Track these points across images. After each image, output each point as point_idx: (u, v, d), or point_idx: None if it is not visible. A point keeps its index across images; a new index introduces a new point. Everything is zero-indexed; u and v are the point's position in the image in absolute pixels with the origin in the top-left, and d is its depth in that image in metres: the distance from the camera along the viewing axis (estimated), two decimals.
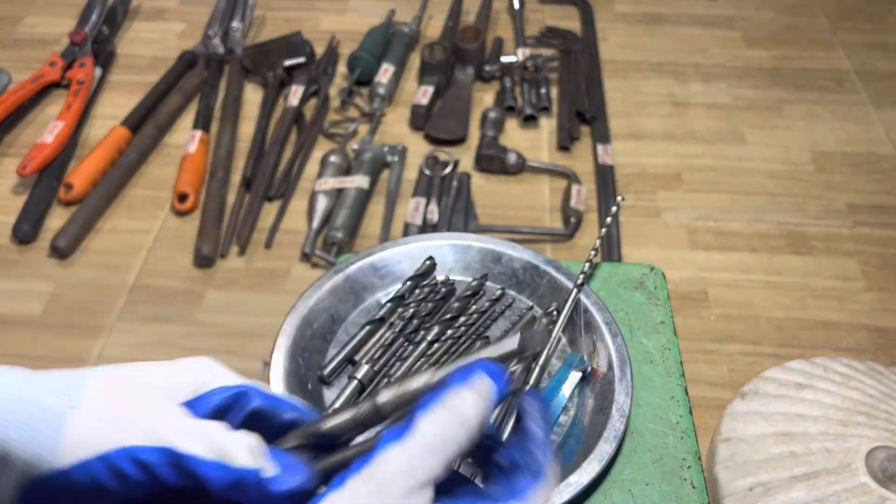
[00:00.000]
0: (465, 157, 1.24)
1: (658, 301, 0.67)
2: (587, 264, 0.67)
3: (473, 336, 0.64)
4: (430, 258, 0.68)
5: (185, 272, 1.08)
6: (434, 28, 1.54)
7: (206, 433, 0.29)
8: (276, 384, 0.57)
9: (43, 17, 1.58)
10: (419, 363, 0.62)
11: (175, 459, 0.28)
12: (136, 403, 0.29)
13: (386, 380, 0.61)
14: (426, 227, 1.12)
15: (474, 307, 0.66)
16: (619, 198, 0.72)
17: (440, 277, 0.68)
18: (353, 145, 1.25)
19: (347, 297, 0.66)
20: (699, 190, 1.20)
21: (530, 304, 0.68)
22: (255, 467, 0.28)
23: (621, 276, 0.69)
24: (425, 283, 0.67)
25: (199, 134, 1.25)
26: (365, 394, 0.59)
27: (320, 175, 1.18)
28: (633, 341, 0.63)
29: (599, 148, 1.25)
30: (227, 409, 0.32)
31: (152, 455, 0.28)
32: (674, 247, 1.11)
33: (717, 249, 1.10)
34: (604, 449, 0.52)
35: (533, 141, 1.29)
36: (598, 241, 0.67)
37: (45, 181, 1.18)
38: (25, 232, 1.12)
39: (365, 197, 1.15)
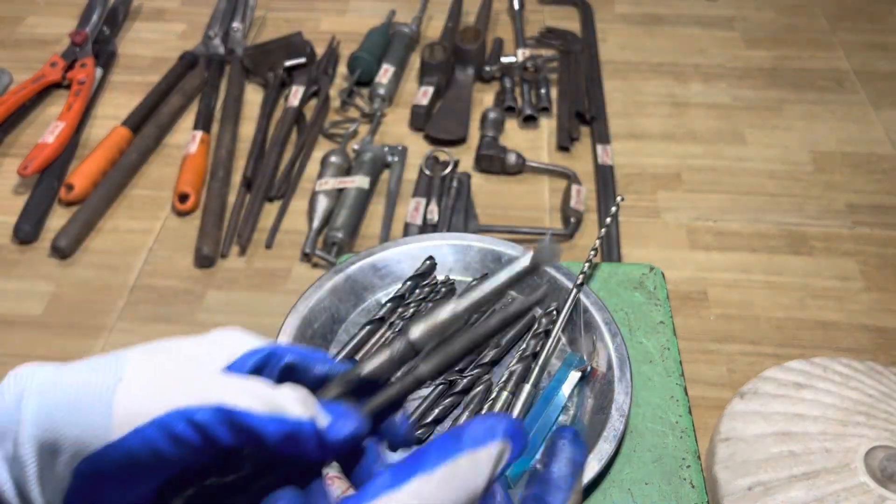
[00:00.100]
0: (465, 157, 1.24)
1: (658, 301, 0.67)
2: (587, 264, 0.67)
3: None
4: (431, 258, 0.68)
5: (186, 272, 1.08)
6: (434, 29, 1.54)
7: (256, 389, 0.28)
8: None
9: (44, 17, 1.59)
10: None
11: (229, 416, 0.27)
12: (181, 371, 0.29)
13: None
14: (426, 228, 1.12)
15: None
16: (618, 198, 0.72)
17: (440, 277, 0.68)
18: (354, 146, 1.25)
19: (348, 297, 0.67)
20: (699, 190, 1.20)
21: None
22: (311, 417, 0.28)
23: (621, 276, 0.69)
24: (425, 282, 0.67)
25: (199, 134, 1.25)
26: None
27: (321, 175, 1.18)
28: (633, 341, 0.63)
29: (599, 148, 1.25)
30: (261, 368, 0.32)
31: (207, 414, 0.27)
32: (673, 247, 1.11)
33: (717, 249, 1.11)
34: (603, 448, 0.53)
35: (533, 141, 1.30)
36: (597, 242, 0.68)
37: (46, 181, 1.19)
38: (26, 232, 1.12)
39: (365, 197, 1.15)
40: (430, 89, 1.32)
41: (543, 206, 1.18)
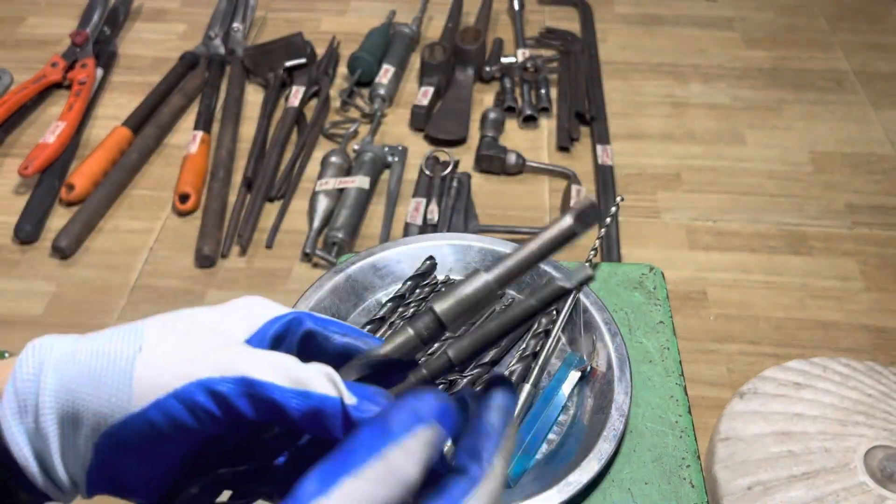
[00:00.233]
0: (465, 157, 1.25)
1: (657, 301, 0.67)
2: (587, 264, 0.67)
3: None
4: (431, 258, 0.68)
5: (187, 272, 1.08)
6: (434, 29, 1.54)
7: (281, 363, 0.27)
8: None
9: (45, 17, 1.59)
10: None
11: (251, 388, 0.26)
12: (202, 341, 0.28)
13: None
14: (426, 228, 1.12)
15: None
16: (618, 198, 0.72)
17: (440, 277, 0.68)
18: (354, 146, 1.25)
19: (348, 297, 0.67)
20: (699, 190, 1.20)
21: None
22: (337, 395, 0.27)
23: (621, 276, 0.70)
24: (426, 282, 0.67)
25: (200, 134, 1.25)
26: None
27: (321, 175, 1.19)
28: (633, 341, 0.64)
29: (599, 148, 1.26)
30: (282, 336, 0.31)
31: (228, 385, 0.26)
32: (673, 247, 1.11)
33: (717, 249, 1.11)
34: (603, 448, 0.53)
35: (533, 141, 1.30)
36: (597, 242, 0.68)
37: (47, 181, 1.19)
38: (27, 232, 1.12)
39: (365, 197, 1.15)
40: (431, 89, 1.32)
41: (543, 206, 1.18)
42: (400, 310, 0.66)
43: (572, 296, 0.65)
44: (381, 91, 1.34)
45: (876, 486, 0.65)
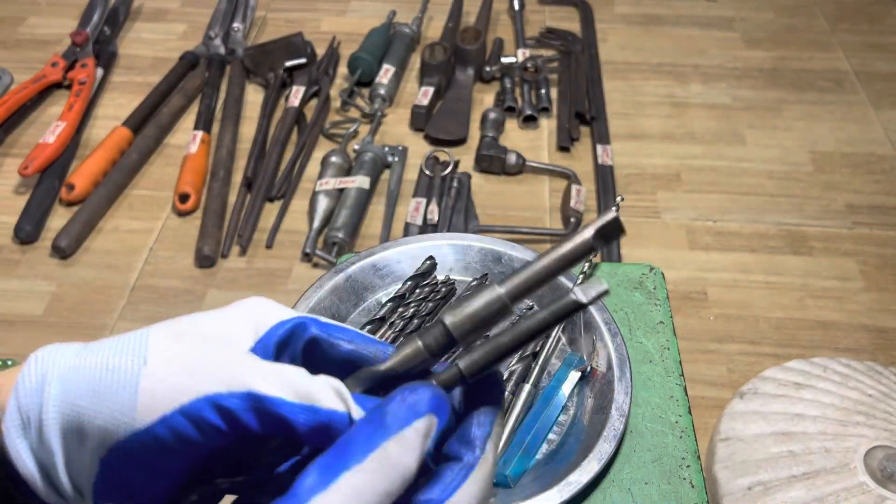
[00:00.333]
0: (465, 157, 1.25)
1: (657, 301, 0.67)
2: (587, 264, 0.67)
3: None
4: (431, 258, 0.68)
5: (187, 272, 1.09)
6: (434, 29, 1.54)
7: (288, 376, 0.27)
8: None
9: (45, 17, 1.59)
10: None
11: (258, 403, 0.26)
12: (207, 353, 0.28)
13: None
14: (426, 228, 1.12)
15: None
16: (618, 198, 0.72)
17: (440, 277, 0.68)
18: (354, 146, 1.25)
19: (348, 297, 0.67)
20: (699, 190, 1.20)
21: (531, 304, 0.68)
22: (345, 410, 0.27)
23: (621, 276, 0.70)
24: (426, 282, 0.67)
25: (200, 134, 1.25)
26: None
27: (321, 175, 1.19)
28: (633, 341, 0.64)
29: (599, 148, 1.26)
30: (287, 341, 0.30)
31: (235, 401, 0.26)
32: (673, 247, 1.11)
33: (717, 250, 1.11)
34: (603, 448, 0.53)
35: (533, 141, 1.30)
36: None
37: (47, 181, 1.19)
38: (27, 232, 1.12)
39: (365, 197, 1.15)
40: (431, 89, 1.32)
41: (543, 207, 1.18)
42: (400, 310, 0.66)
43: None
44: (382, 91, 1.34)
45: (876, 486, 0.65)
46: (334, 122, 1.31)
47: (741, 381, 0.80)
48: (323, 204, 1.13)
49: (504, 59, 1.40)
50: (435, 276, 0.69)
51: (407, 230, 1.12)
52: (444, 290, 0.68)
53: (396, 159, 1.23)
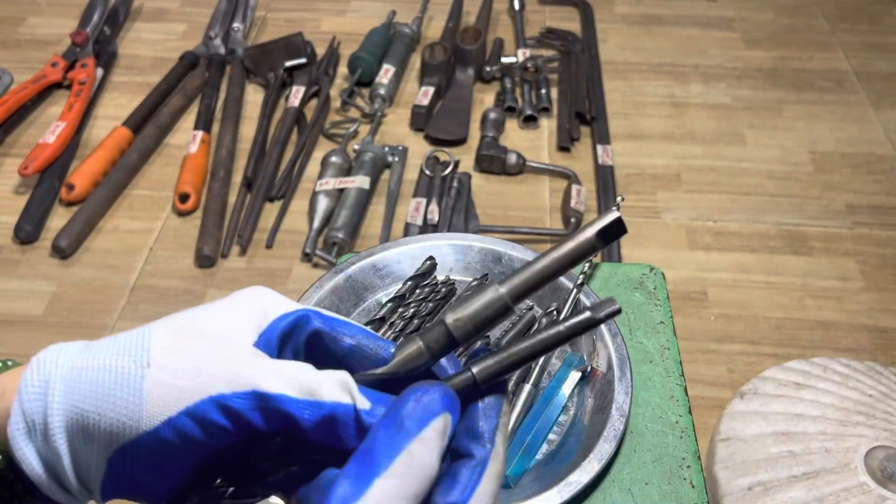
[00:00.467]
0: (465, 157, 1.25)
1: (658, 301, 0.67)
2: (587, 264, 0.67)
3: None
4: (431, 258, 0.68)
5: (187, 272, 1.09)
6: (435, 29, 1.54)
7: (293, 373, 0.27)
8: None
9: (45, 17, 1.59)
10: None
11: (263, 402, 0.26)
12: (210, 352, 0.28)
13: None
14: (426, 228, 1.12)
15: None
16: (618, 198, 0.72)
17: (440, 277, 0.68)
18: (354, 146, 1.25)
19: (348, 297, 0.67)
20: (699, 190, 1.20)
21: (530, 304, 0.68)
22: (350, 402, 0.27)
23: (621, 276, 0.69)
24: (426, 282, 0.67)
25: (200, 134, 1.25)
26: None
27: (321, 175, 1.19)
28: (633, 341, 0.64)
29: (599, 148, 1.26)
30: (290, 333, 0.30)
31: (240, 400, 0.26)
32: (673, 247, 1.11)
33: (717, 250, 1.11)
34: (603, 448, 0.53)
35: (533, 141, 1.30)
36: None
37: (47, 181, 1.19)
38: (27, 232, 1.12)
39: (366, 197, 1.15)
40: (431, 89, 1.32)
41: (544, 207, 1.18)
42: (400, 310, 0.66)
43: (572, 295, 0.65)
44: (382, 91, 1.34)
45: (876, 486, 0.65)
46: (334, 122, 1.31)
47: (741, 381, 0.80)
48: (323, 204, 1.13)
49: (504, 59, 1.40)
50: (435, 277, 0.69)
51: (407, 230, 1.12)
52: (444, 290, 0.68)
53: (396, 159, 1.23)
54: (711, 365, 0.96)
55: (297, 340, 0.30)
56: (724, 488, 0.69)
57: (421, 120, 1.30)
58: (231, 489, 0.31)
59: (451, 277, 0.69)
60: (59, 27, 1.54)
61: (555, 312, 0.65)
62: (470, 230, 1.12)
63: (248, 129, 1.31)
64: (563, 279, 0.67)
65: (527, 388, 0.58)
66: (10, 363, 0.33)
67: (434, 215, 1.13)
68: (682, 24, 1.57)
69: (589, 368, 0.60)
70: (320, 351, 0.31)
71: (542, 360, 0.60)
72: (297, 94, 1.33)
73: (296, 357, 0.30)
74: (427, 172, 1.21)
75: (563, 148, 1.27)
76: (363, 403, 0.27)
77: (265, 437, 0.30)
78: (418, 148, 1.27)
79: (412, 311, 0.65)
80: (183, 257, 1.10)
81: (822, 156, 1.26)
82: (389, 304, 0.66)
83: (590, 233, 0.27)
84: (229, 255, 1.11)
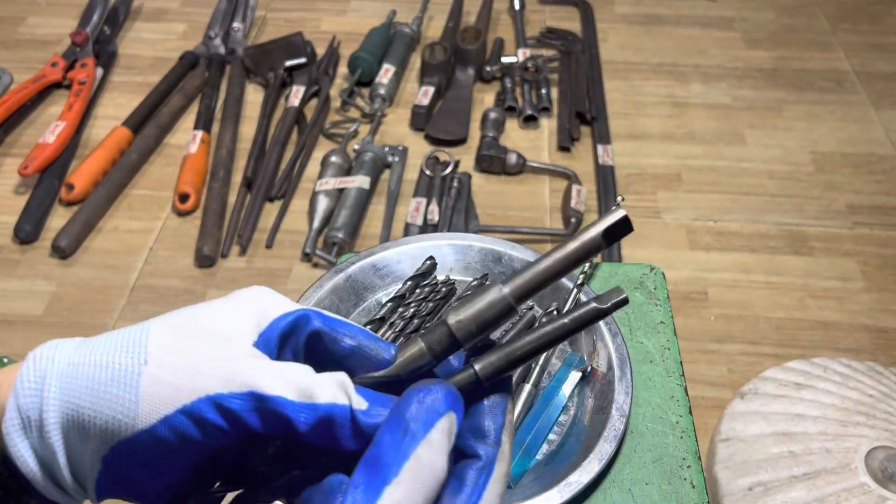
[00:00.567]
0: (465, 157, 1.25)
1: (658, 301, 0.67)
2: (587, 264, 0.67)
3: None
4: (431, 258, 0.68)
5: (187, 272, 1.08)
6: (435, 29, 1.54)
7: (291, 375, 0.27)
8: None
9: (45, 17, 1.59)
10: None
11: (260, 403, 0.26)
12: (209, 351, 0.27)
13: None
14: (427, 228, 1.12)
15: None
16: (619, 198, 0.72)
17: (441, 277, 0.68)
18: (354, 146, 1.25)
19: (348, 297, 0.67)
20: (699, 190, 1.20)
21: (530, 304, 0.68)
22: (347, 403, 0.27)
23: (621, 276, 0.69)
24: (426, 282, 0.67)
25: (200, 134, 1.25)
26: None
27: (321, 175, 1.19)
28: (633, 341, 0.64)
29: (600, 148, 1.26)
30: (289, 333, 0.30)
31: (237, 401, 0.26)
32: (674, 247, 1.11)
33: (717, 250, 1.11)
34: (604, 448, 0.53)
35: (533, 141, 1.30)
36: None
37: (47, 181, 1.19)
38: (27, 232, 1.12)
39: (366, 197, 1.15)
40: (431, 89, 1.32)
41: (544, 207, 1.18)
42: (400, 310, 0.66)
43: (572, 295, 0.65)
44: (382, 91, 1.34)
45: (877, 486, 0.65)
46: (334, 122, 1.31)
47: (741, 382, 0.79)
48: (323, 204, 1.13)
49: (504, 59, 1.39)
50: (435, 277, 0.69)
51: (407, 230, 1.12)
52: (444, 290, 0.67)
53: (396, 159, 1.23)
54: (712, 365, 0.96)
55: (296, 341, 0.30)
56: (725, 488, 0.69)
57: (421, 120, 1.30)
58: (229, 494, 0.30)
59: (451, 277, 0.69)
60: (58, 27, 1.54)
61: (555, 312, 0.64)
62: (470, 230, 1.12)
63: (248, 129, 1.31)
64: (563, 279, 0.67)
65: (527, 387, 0.58)
66: (6, 360, 0.33)
67: (434, 215, 1.13)
68: (683, 24, 1.57)
69: (589, 368, 0.60)
70: (320, 351, 0.30)
71: (542, 359, 0.60)
72: (297, 93, 1.33)
73: (295, 357, 0.30)
74: (427, 172, 1.20)
75: (564, 148, 1.27)
76: (359, 403, 0.27)
77: (262, 439, 0.30)
78: (418, 148, 1.27)
79: (412, 311, 0.65)
80: (183, 257, 1.10)
81: (822, 156, 1.26)
82: (389, 304, 0.65)
83: (595, 231, 0.26)
84: (229, 255, 1.11)
